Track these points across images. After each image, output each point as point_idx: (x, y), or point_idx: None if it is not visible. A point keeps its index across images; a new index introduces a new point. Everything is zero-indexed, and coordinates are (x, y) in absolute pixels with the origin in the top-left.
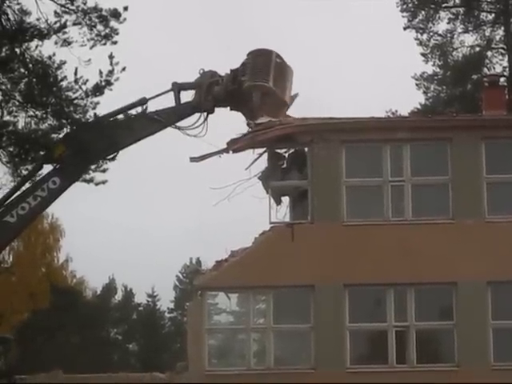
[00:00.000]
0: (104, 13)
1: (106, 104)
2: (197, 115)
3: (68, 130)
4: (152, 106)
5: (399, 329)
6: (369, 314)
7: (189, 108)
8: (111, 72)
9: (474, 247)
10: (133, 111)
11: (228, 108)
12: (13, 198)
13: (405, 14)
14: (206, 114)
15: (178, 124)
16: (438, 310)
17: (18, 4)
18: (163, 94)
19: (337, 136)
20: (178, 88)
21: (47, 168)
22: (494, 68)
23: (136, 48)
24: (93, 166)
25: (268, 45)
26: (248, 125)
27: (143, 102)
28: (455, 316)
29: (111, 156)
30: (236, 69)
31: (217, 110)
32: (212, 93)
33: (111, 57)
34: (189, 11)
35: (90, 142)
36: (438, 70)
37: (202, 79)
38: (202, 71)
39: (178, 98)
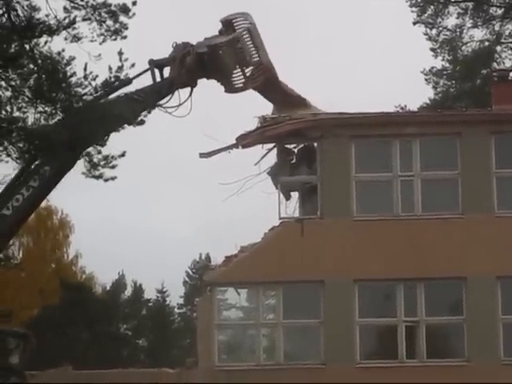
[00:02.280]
0: (113, 8)
1: None
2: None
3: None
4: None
5: (409, 324)
6: (378, 309)
7: (166, 84)
8: (120, 68)
9: (483, 242)
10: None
11: (206, 79)
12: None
13: (414, 8)
14: (190, 89)
15: (170, 105)
16: (447, 305)
17: (27, 0)
18: (143, 73)
19: (346, 131)
20: (154, 65)
21: None
22: (503, 63)
23: (146, 42)
24: (102, 162)
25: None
26: (226, 92)
27: (128, 82)
28: (465, 311)
29: (102, 141)
30: (203, 53)
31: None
32: (185, 65)
33: (120, 53)
34: (199, 2)
35: (78, 129)
36: (447, 64)
37: (175, 52)
38: (175, 44)
39: (154, 76)
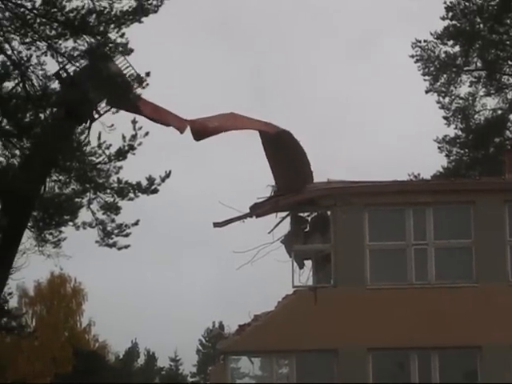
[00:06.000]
0: (127, 78)
1: (129, 168)
2: None
3: (91, 195)
4: None
5: None
6: (393, 379)
7: (56, 124)
8: (134, 137)
9: (497, 311)
10: None
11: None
12: None
13: (427, 77)
14: (88, 123)
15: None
16: (462, 374)
17: (42, 70)
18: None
19: (359, 199)
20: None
21: None
22: None
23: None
24: (115, 231)
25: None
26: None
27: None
28: (480, 380)
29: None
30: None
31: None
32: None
33: (134, 122)
34: (207, 68)
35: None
36: (460, 133)
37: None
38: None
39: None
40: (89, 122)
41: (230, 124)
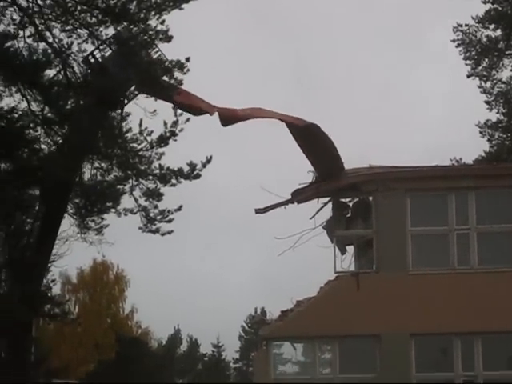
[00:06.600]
0: (168, 65)
1: (171, 154)
2: None
3: (134, 181)
4: None
5: (467, 378)
6: (436, 364)
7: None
8: (175, 123)
9: None
10: None
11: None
12: None
13: (468, 61)
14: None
15: None
16: (506, 359)
17: (83, 57)
18: None
19: (401, 185)
20: None
21: None
22: None
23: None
24: (158, 217)
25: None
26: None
27: None
28: None
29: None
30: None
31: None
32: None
33: (175, 107)
34: (253, 60)
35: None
36: (502, 117)
37: None
38: None
39: None
40: (120, 108)
41: (259, 113)
